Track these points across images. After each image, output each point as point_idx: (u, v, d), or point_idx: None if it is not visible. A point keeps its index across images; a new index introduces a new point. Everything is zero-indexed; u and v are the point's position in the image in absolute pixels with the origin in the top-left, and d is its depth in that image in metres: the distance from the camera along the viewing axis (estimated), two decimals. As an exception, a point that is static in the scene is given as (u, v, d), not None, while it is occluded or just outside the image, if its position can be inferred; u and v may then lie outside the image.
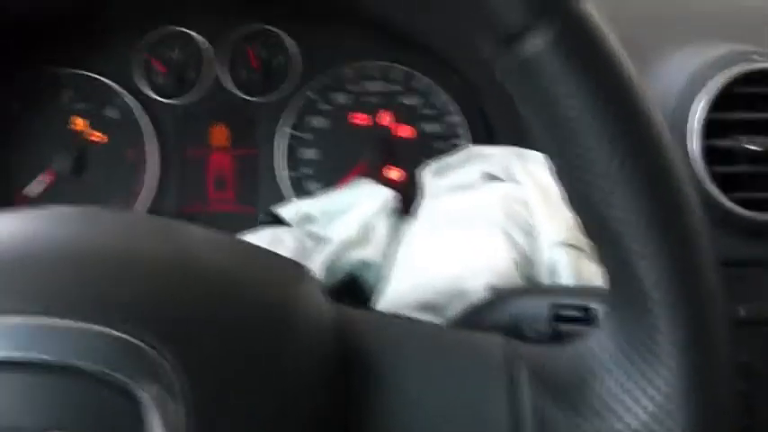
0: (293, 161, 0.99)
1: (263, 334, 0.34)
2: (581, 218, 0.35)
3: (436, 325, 0.42)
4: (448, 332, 0.44)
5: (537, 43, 0.31)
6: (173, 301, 0.33)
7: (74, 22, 0.95)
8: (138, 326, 0.31)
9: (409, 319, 0.46)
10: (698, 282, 0.32)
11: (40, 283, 0.32)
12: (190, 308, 0.33)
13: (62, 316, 0.31)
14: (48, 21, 0.94)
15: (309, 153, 0.99)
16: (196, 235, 0.40)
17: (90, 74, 0.99)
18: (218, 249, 0.39)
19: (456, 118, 0.98)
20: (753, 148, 0.73)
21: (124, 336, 0.31)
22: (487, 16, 0.32)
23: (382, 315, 0.41)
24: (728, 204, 0.74)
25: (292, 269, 0.40)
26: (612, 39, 0.32)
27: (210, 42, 0.99)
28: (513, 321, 0.50)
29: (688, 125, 0.74)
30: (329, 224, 0.81)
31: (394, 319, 0.42)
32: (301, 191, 0.99)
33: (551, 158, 0.34)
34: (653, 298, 0.32)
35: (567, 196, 0.35)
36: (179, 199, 0.99)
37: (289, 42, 0.99)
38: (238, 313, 0.34)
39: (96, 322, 0.31)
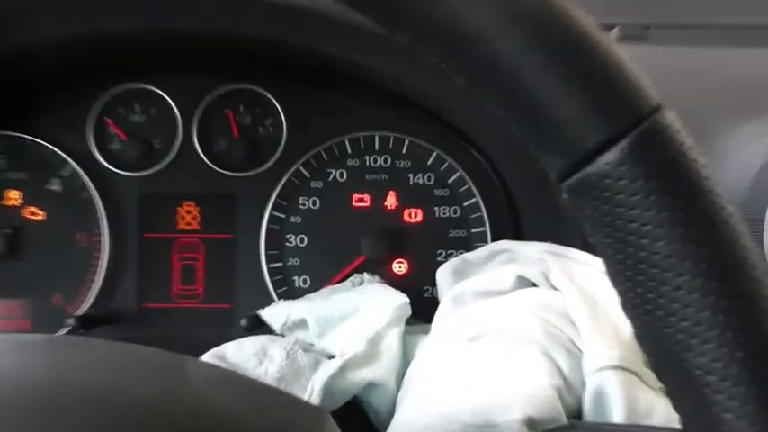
0: (278, 250, 0.98)
1: None
2: (649, 357, 0.35)
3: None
4: None
5: (611, 158, 0.32)
6: None
7: (12, 78, 0.93)
8: None
9: None
10: None
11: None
12: None
13: None
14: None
15: (298, 240, 0.98)
16: (202, 374, 0.41)
17: (32, 138, 0.97)
18: (231, 394, 0.40)
19: (474, 200, 0.98)
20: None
21: None
22: (557, 133, 0.33)
23: None
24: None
25: (312, 417, 0.42)
26: (697, 151, 0.33)
27: (181, 103, 0.97)
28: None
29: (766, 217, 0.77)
30: (326, 334, 0.81)
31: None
32: (287, 287, 0.98)
33: (619, 291, 0.35)
34: None
35: (635, 333, 0.36)
36: (138, 293, 0.98)
37: (278, 107, 0.98)
38: None
39: None
